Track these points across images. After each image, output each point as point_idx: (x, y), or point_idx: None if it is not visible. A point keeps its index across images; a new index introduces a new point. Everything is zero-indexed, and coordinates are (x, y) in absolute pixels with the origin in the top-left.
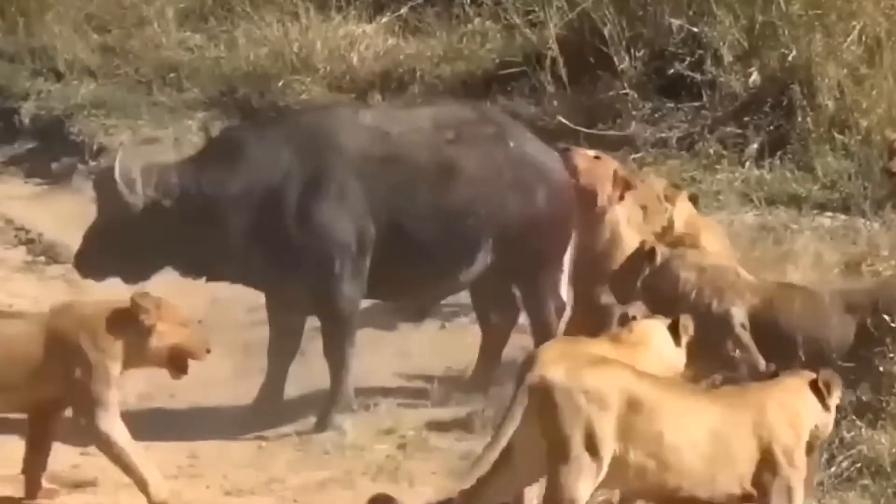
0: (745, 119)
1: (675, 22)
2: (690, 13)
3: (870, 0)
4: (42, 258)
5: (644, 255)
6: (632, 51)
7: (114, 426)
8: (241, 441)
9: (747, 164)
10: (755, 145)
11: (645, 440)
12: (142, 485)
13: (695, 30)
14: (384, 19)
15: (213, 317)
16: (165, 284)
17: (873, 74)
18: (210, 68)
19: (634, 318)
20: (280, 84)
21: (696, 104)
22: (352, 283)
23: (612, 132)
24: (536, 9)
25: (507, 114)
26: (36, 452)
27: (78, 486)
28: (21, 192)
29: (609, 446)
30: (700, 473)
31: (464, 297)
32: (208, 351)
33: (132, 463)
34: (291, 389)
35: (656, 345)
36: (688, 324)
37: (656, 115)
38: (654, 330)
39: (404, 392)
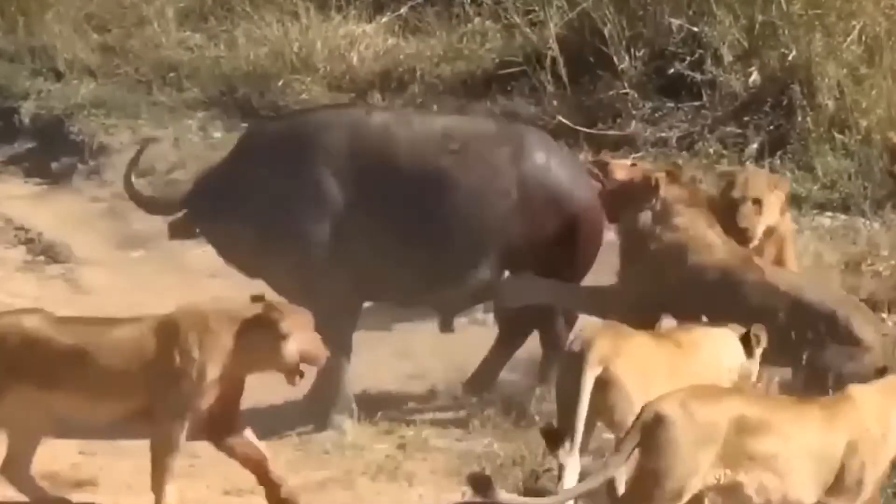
0: (745, 119)
1: (675, 22)
2: (690, 13)
3: (870, 0)
4: (41, 258)
5: (652, 185)
6: (632, 51)
7: (180, 432)
8: None
9: (747, 163)
10: (755, 145)
11: (758, 458)
12: (159, 495)
13: (695, 30)
14: (384, 19)
15: None
16: (166, 282)
17: (873, 74)
18: (210, 68)
19: (703, 319)
20: (280, 84)
21: (696, 104)
22: (331, 282)
23: (612, 132)
24: (536, 8)
25: (544, 135)
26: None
27: (78, 485)
28: (21, 192)
29: (700, 481)
30: (813, 481)
31: None
32: (327, 357)
33: (166, 474)
34: (291, 389)
35: (713, 352)
36: (760, 334)
37: (656, 115)
38: (713, 338)
39: (404, 392)
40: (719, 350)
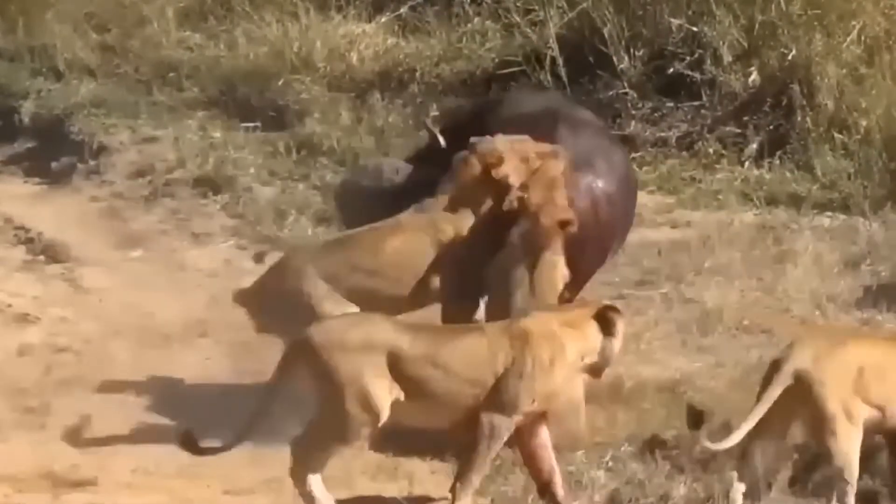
0: (745, 119)
1: (675, 21)
2: (690, 13)
3: (870, 0)
4: (41, 257)
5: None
6: (632, 50)
7: (503, 430)
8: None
9: (747, 163)
10: (755, 145)
11: None
12: (457, 488)
13: (694, 29)
14: (384, 19)
15: (213, 317)
16: (166, 282)
17: (873, 74)
18: (210, 67)
19: None
20: (280, 83)
21: (696, 104)
22: None
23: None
24: (536, 8)
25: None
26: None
27: (78, 485)
28: (21, 192)
29: None
30: None
31: None
32: None
33: (477, 469)
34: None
35: None
36: None
37: (656, 115)
38: None
39: None
40: None
